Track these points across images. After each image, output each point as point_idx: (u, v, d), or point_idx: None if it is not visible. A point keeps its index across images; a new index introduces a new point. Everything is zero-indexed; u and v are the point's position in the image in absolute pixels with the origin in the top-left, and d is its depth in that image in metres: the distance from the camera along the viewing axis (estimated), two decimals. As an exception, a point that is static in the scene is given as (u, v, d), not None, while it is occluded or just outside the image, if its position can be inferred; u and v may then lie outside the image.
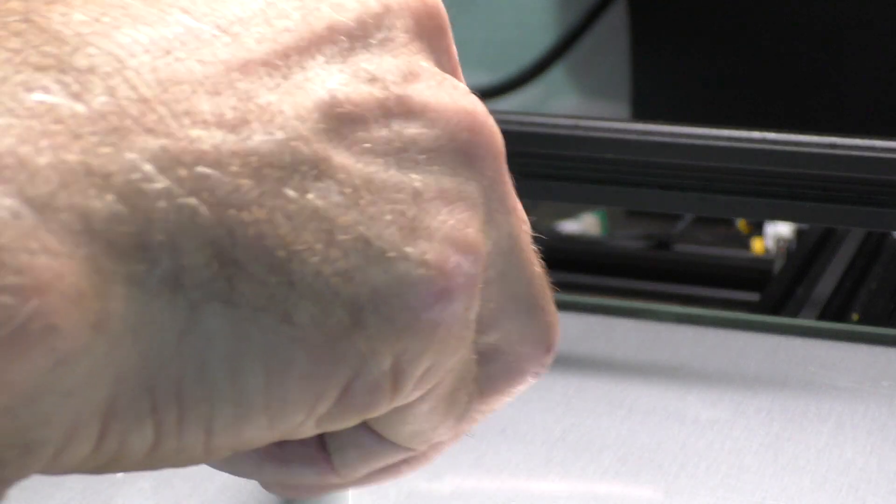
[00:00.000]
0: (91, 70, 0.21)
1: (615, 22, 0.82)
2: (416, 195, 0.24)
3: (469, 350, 0.26)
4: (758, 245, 0.68)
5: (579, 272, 0.67)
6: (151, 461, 0.23)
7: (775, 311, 0.59)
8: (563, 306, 0.51)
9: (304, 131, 0.23)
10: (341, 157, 0.23)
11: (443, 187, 0.25)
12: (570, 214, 0.74)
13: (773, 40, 0.77)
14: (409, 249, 0.24)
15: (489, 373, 0.27)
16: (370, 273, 0.23)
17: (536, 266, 0.29)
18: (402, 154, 0.24)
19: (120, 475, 0.39)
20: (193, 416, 0.22)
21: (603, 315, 0.51)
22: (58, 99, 0.20)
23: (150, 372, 0.21)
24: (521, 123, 0.49)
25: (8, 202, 0.19)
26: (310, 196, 0.23)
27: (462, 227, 0.25)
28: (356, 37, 0.25)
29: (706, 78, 0.79)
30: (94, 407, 0.21)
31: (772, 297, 0.60)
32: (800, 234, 0.66)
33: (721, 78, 0.79)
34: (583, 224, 0.73)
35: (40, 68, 0.21)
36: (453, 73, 0.27)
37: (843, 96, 0.76)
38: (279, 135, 0.23)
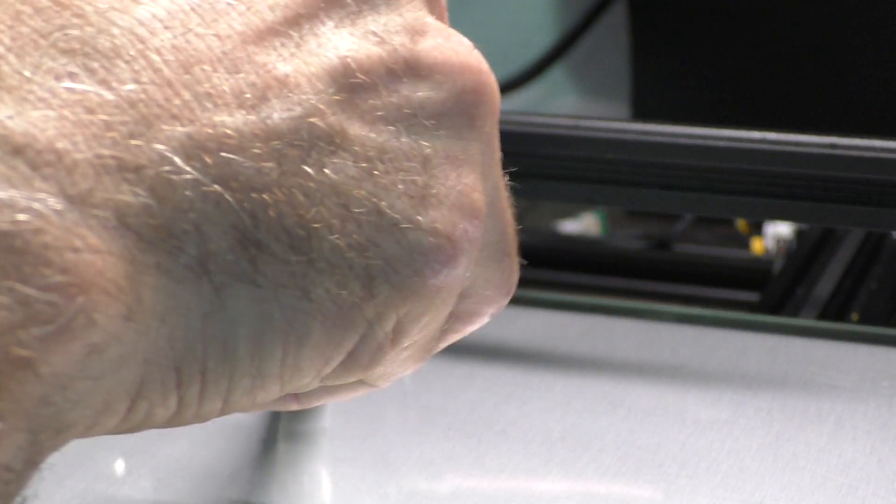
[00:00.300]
0: (116, 53, 0.22)
1: (615, 22, 0.82)
2: (426, 162, 0.25)
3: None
4: (758, 245, 0.68)
5: (579, 272, 0.67)
6: (170, 423, 0.24)
7: (775, 311, 0.59)
8: (563, 306, 0.51)
9: (321, 104, 0.24)
10: (355, 129, 0.24)
11: (450, 152, 0.26)
12: (570, 214, 0.74)
13: (773, 40, 0.77)
14: (419, 218, 0.25)
15: (453, 313, 0.28)
16: (383, 244, 0.24)
17: (509, 214, 0.29)
18: (412, 120, 0.25)
19: (120, 475, 0.39)
20: (214, 389, 0.23)
21: (603, 315, 0.51)
22: (87, 86, 0.21)
23: (177, 353, 0.22)
24: (521, 123, 0.49)
25: (51, 201, 0.20)
26: (327, 171, 0.23)
27: (469, 192, 0.26)
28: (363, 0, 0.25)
29: (706, 78, 0.79)
30: (123, 388, 0.22)
31: (772, 297, 0.60)
32: (800, 234, 0.66)
33: (721, 78, 0.79)
34: (583, 224, 0.73)
35: (66, 52, 0.21)
36: (441, 17, 0.28)
37: (843, 96, 0.76)
38: (297, 111, 0.23)
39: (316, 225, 0.23)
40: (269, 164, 0.23)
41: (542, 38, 0.83)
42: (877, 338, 0.48)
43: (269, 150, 0.23)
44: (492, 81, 0.28)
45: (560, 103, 0.86)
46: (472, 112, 0.27)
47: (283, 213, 0.23)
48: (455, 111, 0.26)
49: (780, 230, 0.66)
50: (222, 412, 0.24)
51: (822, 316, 0.57)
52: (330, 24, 0.25)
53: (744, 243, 0.69)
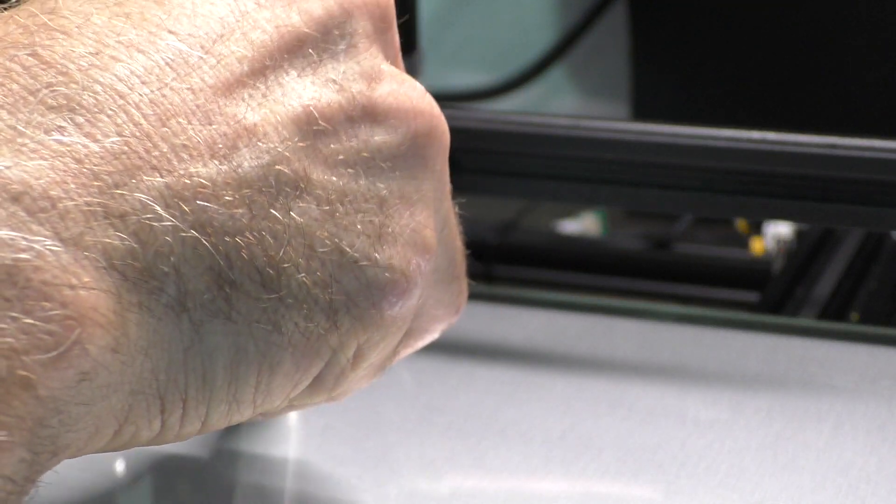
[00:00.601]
0: (99, 109, 0.24)
1: (615, 22, 0.82)
2: (382, 202, 0.28)
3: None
4: (757, 245, 0.68)
5: (579, 272, 0.67)
6: (152, 443, 0.26)
7: (775, 311, 0.59)
8: (563, 306, 0.51)
9: (287, 152, 0.26)
10: (318, 173, 0.27)
11: (404, 192, 0.29)
12: (570, 214, 0.74)
13: (773, 40, 0.77)
14: (377, 255, 0.27)
15: (406, 332, 0.31)
16: (344, 280, 0.27)
17: (459, 241, 0.32)
18: (369, 163, 0.28)
19: (120, 475, 0.39)
20: (194, 413, 0.26)
21: (603, 315, 0.51)
22: (75, 139, 0.23)
23: (160, 384, 0.25)
24: (521, 123, 0.49)
25: (48, 243, 0.22)
26: (293, 214, 0.26)
27: (421, 230, 0.29)
28: (323, 48, 0.28)
29: (706, 78, 0.79)
30: (112, 414, 0.24)
31: (771, 297, 0.60)
32: (800, 234, 0.66)
33: (721, 78, 0.79)
34: (583, 224, 0.73)
35: (53, 108, 0.23)
36: (395, 60, 0.31)
37: (843, 96, 0.76)
38: (265, 158, 0.26)
39: (285, 265, 0.26)
40: (241, 210, 0.25)
41: (542, 38, 0.83)
42: (877, 338, 0.48)
43: (241, 197, 0.25)
44: (442, 123, 0.30)
45: (560, 103, 0.86)
46: (424, 153, 0.29)
47: (255, 254, 0.25)
48: (409, 153, 0.29)
49: (780, 230, 0.66)
50: (200, 433, 0.26)
51: (822, 316, 0.57)
52: (293, 73, 0.27)
53: (744, 243, 0.69)
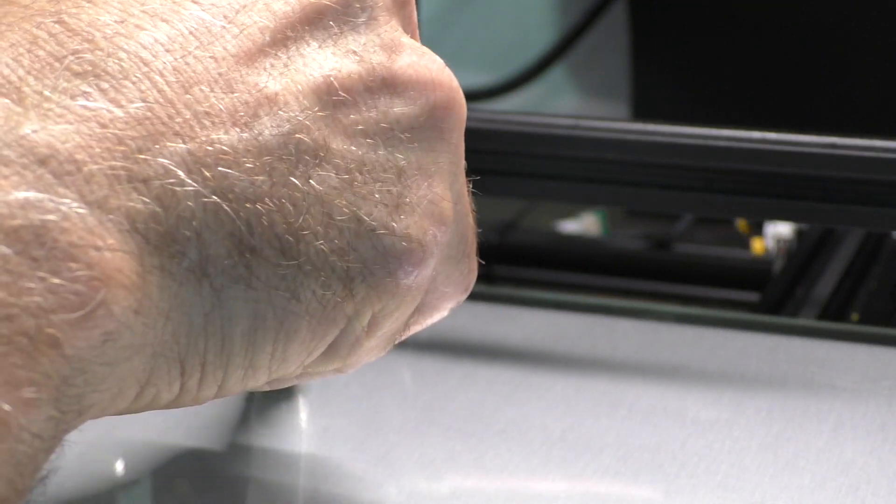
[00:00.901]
0: (124, 75, 0.24)
1: (615, 22, 0.82)
2: (401, 173, 0.28)
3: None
4: (758, 245, 0.68)
5: (579, 272, 0.67)
6: (170, 406, 0.27)
7: (775, 311, 0.59)
8: (563, 306, 0.51)
9: (307, 121, 0.26)
10: (338, 143, 0.27)
11: (422, 163, 0.29)
12: (570, 214, 0.74)
13: (773, 40, 0.77)
14: (394, 225, 0.28)
15: (417, 307, 0.31)
16: (361, 248, 0.27)
17: (471, 218, 0.32)
18: (388, 134, 0.28)
19: (120, 475, 0.39)
20: (211, 378, 0.26)
21: (603, 315, 0.51)
22: (100, 104, 0.24)
23: (181, 347, 0.25)
24: (521, 123, 0.49)
25: (74, 205, 0.22)
26: (312, 182, 0.26)
27: (438, 201, 0.29)
28: (343, 20, 0.28)
29: (706, 78, 0.79)
30: (134, 376, 0.24)
31: (772, 297, 0.60)
32: (800, 234, 0.66)
33: (721, 78, 0.79)
34: (583, 224, 0.73)
35: (79, 74, 0.24)
36: (413, 34, 0.31)
37: (843, 96, 0.76)
38: (286, 127, 0.26)
39: (303, 232, 0.26)
40: (261, 178, 0.25)
41: (542, 38, 0.83)
42: (877, 338, 0.48)
43: (261, 165, 0.25)
44: (460, 97, 0.30)
45: (560, 103, 0.86)
46: (442, 126, 0.29)
47: (275, 221, 0.25)
48: (427, 125, 0.29)
49: (780, 230, 0.66)
50: (216, 396, 0.27)
51: (822, 316, 0.57)
52: (314, 44, 0.27)
53: (744, 243, 0.69)
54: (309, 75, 0.27)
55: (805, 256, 0.63)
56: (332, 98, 0.27)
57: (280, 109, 0.26)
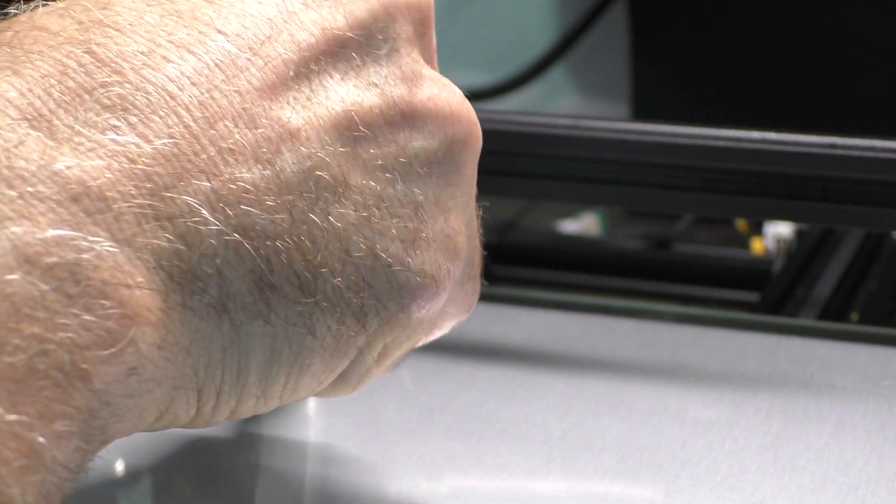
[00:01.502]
0: (151, 109, 0.24)
1: (615, 22, 0.82)
2: (418, 208, 0.28)
3: None
4: (758, 245, 0.68)
5: (579, 272, 0.67)
6: (182, 427, 0.27)
7: (775, 311, 0.58)
8: (563, 306, 0.51)
9: (327, 157, 0.26)
10: (357, 178, 0.27)
11: (439, 198, 0.29)
12: (570, 214, 0.74)
13: (773, 40, 0.77)
14: (409, 260, 0.28)
15: None
16: (376, 284, 0.27)
17: (478, 242, 0.33)
18: (407, 168, 0.28)
19: (120, 474, 0.39)
20: (225, 405, 0.27)
21: (603, 315, 0.51)
22: (129, 138, 0.24)
23: (199, 379, 0.26)
24: (521, 123, 0.49)
25: (106, 244, 0.23)
26: (331, 219, 0.26)
27: (454, 236, 0.29)
28: (366, 52, 0.28)
29: (706, 78, 0.79)
30: (155, 406, 0.25)
31: (772, 297, 0.60)
32: (800, 234, 0.66)
33: (721, 78, 0.79)
34: (583, 224, 0.73)
35: (108, 107, 0.24)
36: (431, 61, 0.31)
37: (843, 96, 0.75)
38: (307, 164, 0.26)
39: (322, 269, 0.26)
40: (282, 216, 0.26)
41: (542, 38, 0.83)
42: (877, 338, 0.48)
43: (282, 203, 0.26)
44: (478, 130, 0.31)
45: (560, 103, 0.86)
46: (458, 160, 0.30)
47: (294, 258, 0.26)
48: (445, 160, 0.29)
49: (780, 230, 0.66)
50: (227, 420, 0.27)
51: (822, 316, 0.57)
52: (337, 76, 0.27)
53: (744, 243, 0.69)
54: (331, 109, 0.27)
55: (805, 256, 0.63)
56: (353, 133, 0.27)
57: (302, 145, 0.26)
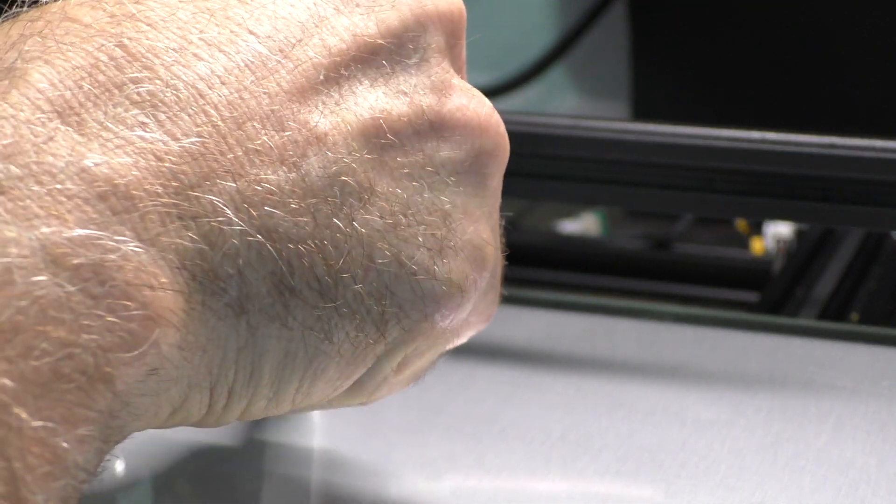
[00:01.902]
0: (180, 107, 0.24)
1: (615, 22, 0.82)
2: (446, 217, 0.28)
3: None
4: (757, 245, 0.68)
5: (579, 272, 0.67)
6: (193, 425, 0.27)
7: (775, 311, 0.58)
8: (563, 306, 0.51)
9: (354, 164, 0.26)
10: (383, 185, 0.27)
11: (467, 207, 0.29)
12: (570, 214, 0.74)
13: (773, 40, 0.77)
14: (436, 268, 0.28)
15: None
16: (399, 292, 0.27)
17: (500, 252, 0.32)
18: (434, 177, 0.28)
19: (120, 475, 0.39)
20: (236, 405, 0.27)
21: (603, 315, 0.51)
22: (156, 135, 0.24)
23: (213, 378, 0.26)
24: (521, 123, 0.49)
25: (131, 244, 0.23)
26: (355, 224, 0.26)
27: (483, 246, 0.29)
28: (396, 60, 0.28)
29: (706, 78, 0.79)
30: (170, 403, 0.25)
31: (772, 297, 0.60)
32: (800, 234, 0.66)
33: (721, 78, 0.79)
34: (583, 224, 0.73)
35: (137, 103, 0.24)
36: (461, 71, 0.31)
37: (843, 96, 0.75)
38: (332, 169, 0.26)
39: (343, 275, 0.26)
40: (305, 219, 0.25)
41: (542, 38, 0.83)
42: (877, 338, 0.48)
43: (306, 206, 0.25)
44: (506, 142, 0.30)
45: (560, 103, 0.86)
46: (486, 171, 0.29)
47: (315, 262, 0.26)
48: (473, 170, 0.29)
49: (780, 230, 0.66)
50: (239, 419, 0.27)
51: (822, 316, 0.57)
52: (366, 83, 0.27)
53: (744, 243, 0.69)
54: (359, 115, 0.27)
55: (805, 256, 0.63)
56: (381, 141, 0.27)
57: (328, 150, 0.26)
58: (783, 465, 0.39)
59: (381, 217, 0.27)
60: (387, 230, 0.27)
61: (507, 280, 0.66)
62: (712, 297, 0.64)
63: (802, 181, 0.46)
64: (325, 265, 0.26)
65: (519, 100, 0.80)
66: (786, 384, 0.44)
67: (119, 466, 0.40)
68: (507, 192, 0.51)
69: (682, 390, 0.44)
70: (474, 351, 0.48)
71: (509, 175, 0.50)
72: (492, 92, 0.79)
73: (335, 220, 0.26)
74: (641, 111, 0.81)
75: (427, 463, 0.40)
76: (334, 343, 0.27)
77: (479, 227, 0.29)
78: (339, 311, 0.26)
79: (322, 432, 0.42)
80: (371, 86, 0.27)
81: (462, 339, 0.33)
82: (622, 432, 0.41)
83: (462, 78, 0.30)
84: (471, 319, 0.32)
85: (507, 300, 0.53)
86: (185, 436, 0.41)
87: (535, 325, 0.50)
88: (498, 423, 0.42)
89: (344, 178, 0.26)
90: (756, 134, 0.46)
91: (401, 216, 0.27)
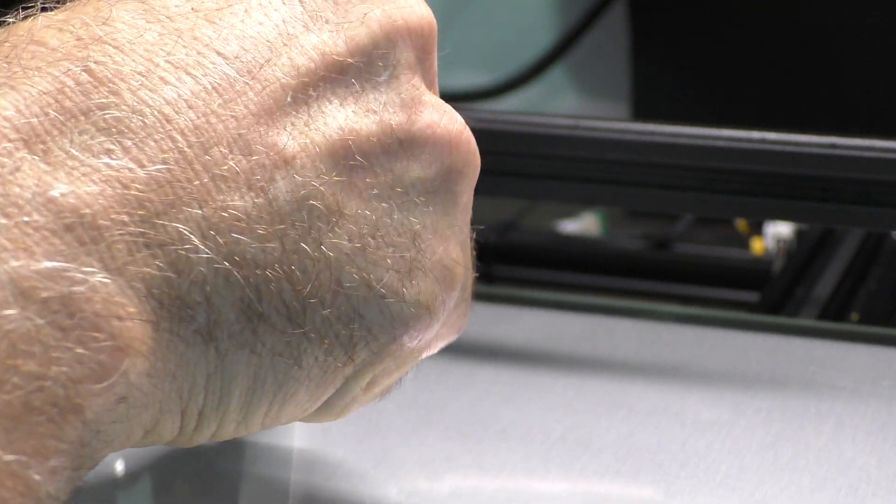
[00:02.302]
0: (147, 133, 0.24)
1: (615, 22, 0.82)
2: (415, 237, 0.28)
3: None
4: (757, 245, 0.68)
5: (579, 272, 0.67)
6: (164, 445, 0.27)
7: (775, 311, 0.59)
8: (563, 306, 0.51)
9: (322, 186, 0.26)
10: (352, 206, 0.26)
11: (437, 227, 0.28)
12: (570, 214, 0.74)
13: (773, 40, 0.77)
14: (404, 291, 0.27)
15: None
16: (368, 314, 0.27)
17: (471, 264, 0.32)
18: (404, 198, 0.28)
19: (120, 474, 0.39)
20: (206, 427, 0.27)
21: (603, 315, 0.51)
22: (122, 163, 0.24)
23: (183, 402, 0.26)
24: (521, 123, 0.49)
25: (99, 276, 0.23)
26: (323, 248, 0.26)
27: (452, 266, 0.29)
28: (366, 78, 0.27)
29: (706, 78, 0.79)
30: (141, 427, 0.25)
31: (772, 297, 0.60)
32: (800, 234, 0.66)
33: (721, 78, 0.79)
34: (583, 224, 0.73)
35: (103, 130, 0.24)
36: (432, 86, 0.30)
37: (843, 96, 0.76)
38: (300, 193, 0.26)
39: (311, 300, 0.26)
40: (273, 244, 0.25)
41: (542, 38, 0.83)
42: (877, 338, 0.48)
43: (274, 231, 0.25)
44: (477, 159, 0.30)
45: (560, 103, 0.86)
46: (457, 189, 0.29)
47: (283, 288, 0.25)
48: (443, 188, 0.29)
49: (780, 230, 0.66)
50: (210, 440, 0.27)
51: (822, 316, 0.57)
52: (335, 102, 0.27)
53: (744, 243, 0.69)
54: (328, 136, 0.26)
55: (805, 256, 0.63)
56: (349, 162, 0.27)
57: (296, 174, 0.26)
58: (783, 465, 0.39)
59: (350, 240, 0.26)
60: (355, 253, 0.26)
61: (507, 280, 0.66)
62: (712, 297, 0.64)
63: (802, 181, 0.46)
64: (293, 290, 0.25)
65: (519, 100, 0.80)
66: (786, 384, 0.44)
67: (119, 466, 0.40)
68: (507, 192, 0.52)
69: (682, 390, 0.44)
70: (474, 351, 0.48)
71: (509, 175, 0.50)
72: (492, 92, 0.79)
73: (303, 244, 0.26)
74: (641, 111, 0.81)
75: (427, 463, 0.40)
76: (303, 368, 0.26)
77: (448, 246, 0.29)
78: (307, 336, 0.26)
79: (321, 432, 0.42)
80: (340, 105, 0.27)
81: (432, 352, 0.33)
82: (622, 432, 0.41)
83: (434, 93, 0.30)
84: (441, 332, 0.32)
85: (507, 300, 0.53)
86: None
87: (535, 325, 0.50)
88: (498, 423, 0.42)
89: (312, 201, 0.26)
90: (756, 134, 0.46)
91: (369, 238, 0.27)
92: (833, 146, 0.45)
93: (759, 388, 0.44)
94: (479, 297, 0.52)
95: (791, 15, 0.76)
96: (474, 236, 0.32)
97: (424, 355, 0.32)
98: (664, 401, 0.43)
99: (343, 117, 0.27)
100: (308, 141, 0.26)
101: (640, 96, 0.81)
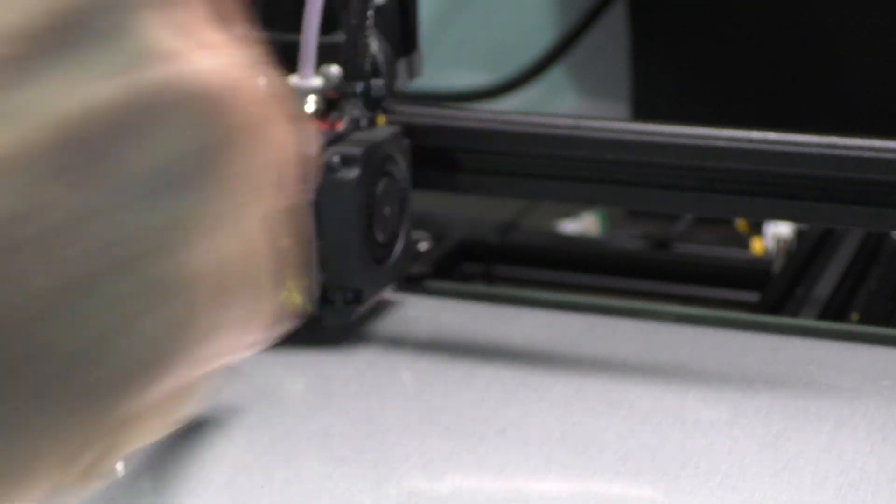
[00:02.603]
0: None
1: (615, 22, 0.82)
2: (161, 247, 0.19)
3: None
4: (757, 245, 0.68)
5: (579, 272, 0.67)
6: None
7: (775, 311, 0.58)
8: (563, 306, 0.51)
9: (39, 192, 0.19)
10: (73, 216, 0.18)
11: (201, 222, 0.20)
12: (570, 214, 0.74)
13: (773, 40, 0.77)
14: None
15: None
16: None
17: (268, 251, 0.23)
18: (137, 194, 0.19)
19: (120, 475, 0.39)
20: None
21: (603, 315, 0.51)
22: None
23: None
24: (521, 123, 0.49)
25: None
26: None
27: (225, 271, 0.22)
28: (91, 31, 0.19)
29: (706, 78, 0.79)
30: None
31: (772, 297, 0.60)
32: (800, 234, 0.66)
33: (721, 78, 0.79)
34: (583, 224, 0.73)
35: None
36: (228, 23, 0.21)
37: (843, 96, 0.76)
38: (7, 211, 0.18)
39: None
40: None
41: (542, 38, 0.83)
42: (877, 338, 0.48)
43: None
44: (266, 115, 0.21)
45: (560, 103, 0.86)
46: (229, 166, 0.20)
47: None
48: (200, 168, 0.20)
49: (780, 230, 0.66)
50: None
51: (822, 316, 0.57)
52: (56, 71, 0.19)
53: (744, 243, 0.69)
54: (46, 120, 0.19)
55: (805, 256, 0.63)
56: (78, 147, 0.19)
57: (5, 170, 0.18)
58: (783, 465, 0.39)
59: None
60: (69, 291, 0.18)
61: (507, 280, 0.66)
62: (712, 297, 0.64)
63: (802, 181, 0.46)
64: None
65: (519, 100, 0.80)
66: (786, 384, 0.44)
67: (119, 466, 0.40)
68: (507, 192, 0.52)
69: (682, 390, 0.44)
70: (474, 351, 0.48)
71: (509, 175, 0.50)
72: (492, 92, 0.79)
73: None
74: (641, 111, 0.81)
75: (427, 463, 0.40)
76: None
77: (220, 244, 0.20)
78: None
79: (322, 431, 0.42)
80: (65, 73, 0.19)
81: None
82: (622, 432, 0.41)
83: (216, 31, 0.21)
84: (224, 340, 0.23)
85: (507, 300, 0.53)
86: (185, 433, 0.41)
87: (535, 325, 0.50)
88: (498, 423, 0.42)
89: (24, 214, 0.18)
90: (756, 134, 0.46)
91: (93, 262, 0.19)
92: (833, 146, 0.45)
93: (759, 388, 0.44)
94: (479, 297, 0.52)
95: (791, 15, 0.76)
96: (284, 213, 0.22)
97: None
98: (664, 401, 0.43)
99: (66, 91, 0.19)
100: (20, 133, 0.19)
101: (640, 96, 0.81)
